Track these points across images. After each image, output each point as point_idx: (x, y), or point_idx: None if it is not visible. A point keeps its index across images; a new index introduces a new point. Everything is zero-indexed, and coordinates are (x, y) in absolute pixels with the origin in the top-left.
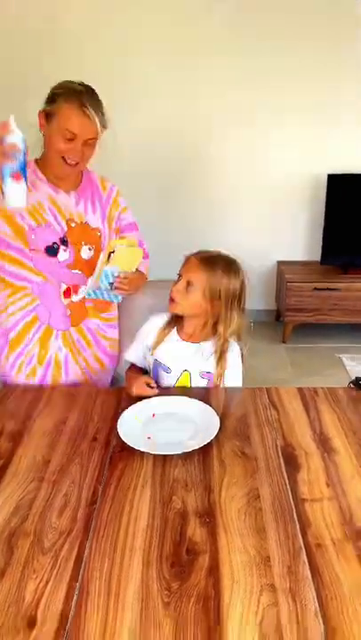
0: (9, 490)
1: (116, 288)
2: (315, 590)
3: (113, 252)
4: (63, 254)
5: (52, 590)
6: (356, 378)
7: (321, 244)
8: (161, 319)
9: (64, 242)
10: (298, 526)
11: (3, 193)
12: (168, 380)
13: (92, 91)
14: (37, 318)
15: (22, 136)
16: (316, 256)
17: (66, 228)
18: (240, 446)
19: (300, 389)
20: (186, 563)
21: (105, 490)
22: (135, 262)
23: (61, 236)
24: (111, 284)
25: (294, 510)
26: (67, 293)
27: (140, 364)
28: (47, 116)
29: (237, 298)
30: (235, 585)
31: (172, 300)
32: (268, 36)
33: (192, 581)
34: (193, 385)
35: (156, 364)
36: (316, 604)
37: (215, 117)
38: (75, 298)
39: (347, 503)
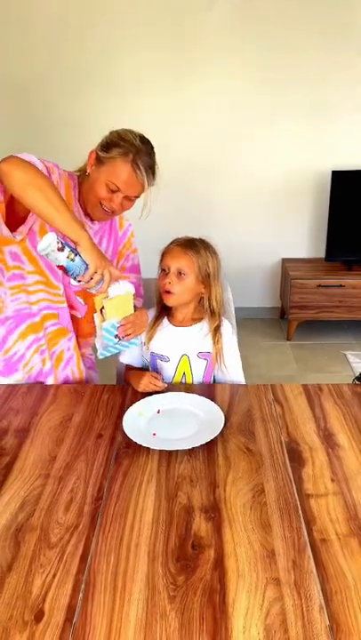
0: (16, 486)
1: (123, 337)
2: (320, 584)
3: (102, 308)
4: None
5: (58, 584)
6: None
7: (325, 240)
8: (150, 315)
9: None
10: (303, 521)
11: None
12: (168, 369)
13: (150, 148)
14: (57, 316)
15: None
16: (321, 253)
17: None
18: (245, 442)
19: (304, 386)
20: (191, 557)
21: (111, 486)
22: (129, 306)
23: None
24: (116, 336)
25: (299, 505)
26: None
27: (135, 363)
28: (97, 159)
29: (219, 273)
30: (240, 579)
31: (167, 292)
32: (270, 33)
33: (198, 575)
34: (193, 368)
35: (154, 356)
36: (321, 598)
37: (218, 115)
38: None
39: (351, 498)
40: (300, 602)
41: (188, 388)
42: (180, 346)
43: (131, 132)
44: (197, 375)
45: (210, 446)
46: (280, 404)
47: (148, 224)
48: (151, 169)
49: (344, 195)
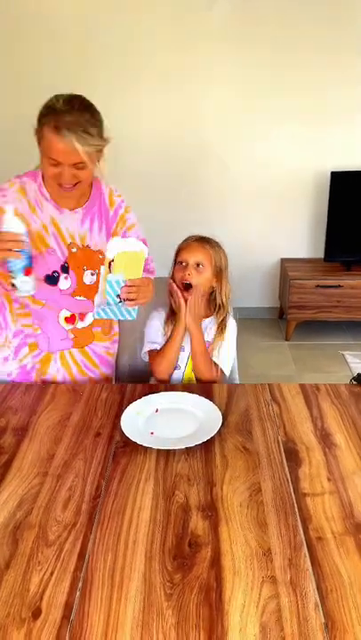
0: (14, 484)
1: (124, 300)
2: (315, 582)
3: (112, 260)
4: (64, 282)
5: (56, 582)
6: (358, 374)
7: (324, 241)
8: (161, 314)
9: (65, 269)
10: (299, 520)
11: (13, 285)
12: (183, 357)
13: (77, 106)
14: (37, 346)
15: (25, 229)
16: (320, 253)
17: (67, 253)
18: (242, 441)
19: (301, 385)
20: (188, 555)
21: (108, 484)
22: (139, 267)
23: (62, 262)
24: (118, 295)
25: (295, 504)
26: (71, 320)
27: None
28: (37, 137)
29: (226, 267)
30: (236, 577)
31: (187, 286)
32: (269, 34)
33: (194, 573)
34: None
35: None
36: (317, 596)
37: (218, 116)
38: (80, 324)
39: (348, 497)
40: (295, 600)
41: (186, 387)
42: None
43: (57, 95)
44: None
45: (207, 445)
46: (278, 403)
47: (145, 223)
48: (81, 127)
49: (343, 195)
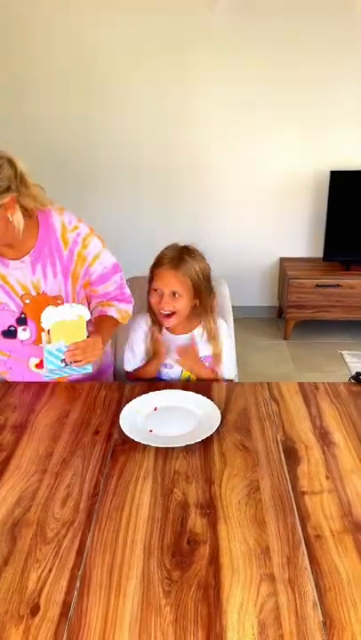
0: (12, 481)
1: (70, 363)
2: (313, 580)
3: (49, 330)
4: (23, 334)
5: (54, 579)
6: (357, 373)
7: (323, 240)
8: (145, 324)
9: (22, 321)
10: (297, 518)
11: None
12: (173, 375)
13: None
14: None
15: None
16: (319, 253)
17: (22, 305)
18: (241, 439)
19: (300, 384)
20: (187, 553)
21: (107, 482)
22: (80, 331)
23: (18, 315)
24: (63, 360)
25: (294, 502)
26: (41, 365)
27: (140, 364)
28: None
29: (208, 277)
30: (235, 575)
31: (166, 317)
32: (270, 33)
33: (193, 571)
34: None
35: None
36: (315, 594)
37: (216, 115)
38: None
39: (346, 496)
40: (293, 598)
41: (185, 385)
42: None
43: None
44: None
45: (206, 443)
46: (276, 402)
47: (145, 222)
48: None
49: (342, 195)
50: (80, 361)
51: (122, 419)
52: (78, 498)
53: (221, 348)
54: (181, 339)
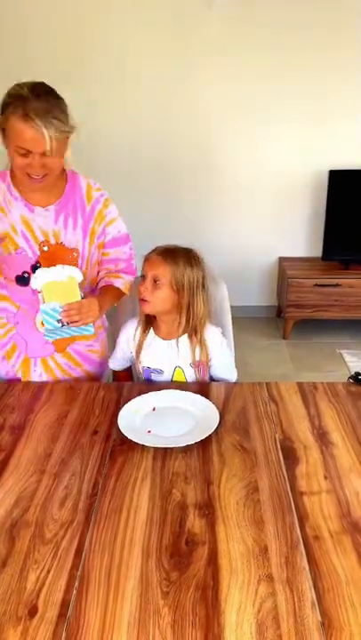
0: (11, 481)
1: (67, 323)
2: (312, 581)
3: (41, 291)
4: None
5: (53, 580)
6: (356, 373)
7: (322, 239)
8: (134, 325)
9: (36, 268)
10: (296, 518)
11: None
12: (163, 379)
13: (42, 93)
14: (16, 347)
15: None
16: (318, 252)
17: (38, 253)
18: (239, 440)
19: (299, 384)
20: (185, 553)
21: (105, 482)
22: (72, 292)
23: (33, 262)
24: (59, 320)
25: (292, 503)
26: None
27: (124, 367)
28: (2, 128)
29: (201, 285)
30: (233, 575)
31: (143, 300)
32: (268, 31)
33: (191, 572)
34: (188, 377)
35: (147, 370)
36: (313, 595)
37: (215, 114)
38: None
39: (344, 496)
40: (292, 598)
41: (183, 385)
42: (171, 358)
43: (20, 83)
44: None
45: (204, 444)
46: (275, 402)
47: (143, 221)
48: (49, 114)
49: (341, 194)
50: (77, 322)
51: (120, 419)
52: (77, 498)
53: (208, 356)
54: (167, 345)
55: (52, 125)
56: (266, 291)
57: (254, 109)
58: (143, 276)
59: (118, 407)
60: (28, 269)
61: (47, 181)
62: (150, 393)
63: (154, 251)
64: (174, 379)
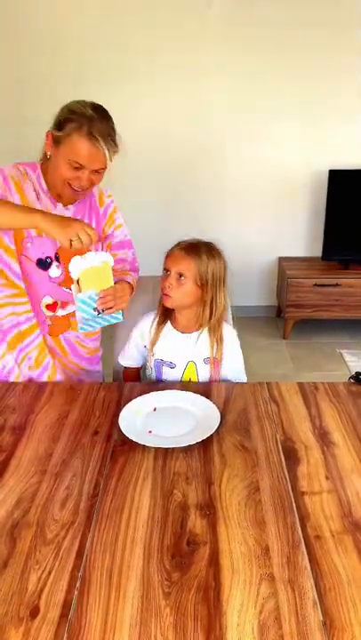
0: (12, 482)
1: (102, 310)
2: (313, 580)
3: (78, 280)
4: (55, 271)
5: (54, 581)
6: (357, 372)
7: (322, 239)
8: (150, 318)
9: (57, 258)
10: (297, 518)
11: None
12: (174, 375)
13: (104, 115)
14: (37, 326)
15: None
16: (318, 252)
17: (59, 244)
18: (240, 440)
19: (300, 384)
20: (186, 554)
21: (106, 483)
22: (107, 277)
23: (56, 251)
24: (95, 309)
25: (294, 503)
26: (52, 307)
27: (134, 365)
28: (54, 139)
29: (223, 279)
30: (235, 575)
31: (166, 295)
32: (268, 31)
33: (192, 572)
34: (200, 374)
35: (159, 363)
36: (315, 594)
37: (215, 114)
38: (60, 312)
39: (346, 496)
40: (293, 598)
41: (184, 385)
42: (186, 352)
43: (81, 102)
44: (204, 380)
45: (206, 444)
46: (276, 402)
47: (142, 222)
48: (110, 136)
49: (341, 194)
50: (111, 308)
51: (121, 419)
52: (78, 499)
53: (222, 354)
54: (184, 338)
55: (111, 147)
56: (266, 290)
57: (254, 109)
58: (166, 270)
59: (119, 407)
60: (52, 255)
61: (85, 194)
62: (151, 393)
63: (177, 246)
64: (185, 374)
